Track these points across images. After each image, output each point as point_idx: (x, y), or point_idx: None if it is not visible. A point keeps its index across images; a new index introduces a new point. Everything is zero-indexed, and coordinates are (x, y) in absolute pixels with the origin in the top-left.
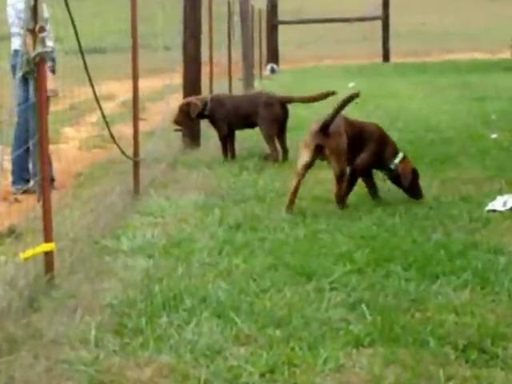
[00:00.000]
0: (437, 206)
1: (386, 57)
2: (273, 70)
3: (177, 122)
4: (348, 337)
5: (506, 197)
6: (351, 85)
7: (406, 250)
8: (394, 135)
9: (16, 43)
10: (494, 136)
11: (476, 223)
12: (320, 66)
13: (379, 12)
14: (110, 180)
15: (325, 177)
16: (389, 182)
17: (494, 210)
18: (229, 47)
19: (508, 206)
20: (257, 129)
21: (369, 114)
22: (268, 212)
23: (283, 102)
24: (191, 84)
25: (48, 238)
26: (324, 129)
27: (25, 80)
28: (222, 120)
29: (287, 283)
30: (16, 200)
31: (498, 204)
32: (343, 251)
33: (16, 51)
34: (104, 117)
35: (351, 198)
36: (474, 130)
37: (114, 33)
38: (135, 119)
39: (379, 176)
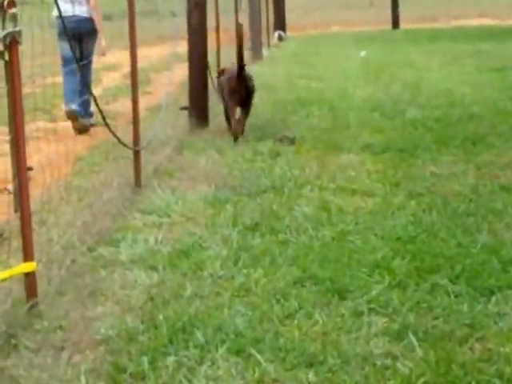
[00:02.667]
0: (476, 199)
1: (395, 23)
2: (280, 38)
3: None
4: (397, 379)
5: None
6: (363, 53)
7: (451, 257)
8: (417, 113)
9: None
10: None
11: None
12: (328, 32)
13: None
14: (109, 168)
15: (346, 162)
16: None
17: None
18: (236, 14)
19: None
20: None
21: (387, 88)
22: (288, 208)
23: None
24: (197, 55)
25: (28, 257)
26: None
27: None
28: None
29: (317, 304)
30: (7, 191)
31: None
32: (379, 259)
33: None
34: (98, 105)
35: (377, 187)
36: (502, 105)
37: None
38: (134, 102)
39: None
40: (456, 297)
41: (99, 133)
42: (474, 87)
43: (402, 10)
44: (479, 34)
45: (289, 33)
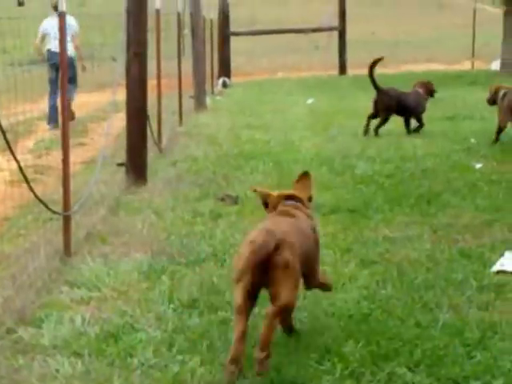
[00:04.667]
0: (434, 267)
1: (342, 69)
2: (225, 85)
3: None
4: None
5: None
6: (310, 101)
7: (409, 340)
8: (367, 168)
9: None
10: (478, 166)
11: (487, 292)
12: (274, 78)
13: (330, 22)
14: (37, 232)
15: None
16: None
17: (504, 271)
18: (179, 62)
19: None
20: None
21: (335, 139)
22: (229, 280)
23: None
24: (136, 108)
25: None
26: None
27: None
28: None
29: None
30: None
31: (508, 263)
32: (329, 342)
33: None
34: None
35: (326, 254)
36: (456, 158)
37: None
38: (65, 164)
39: None
40: None
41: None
42: (425, 138)
43: (349, 54)
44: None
45: (234, 79)
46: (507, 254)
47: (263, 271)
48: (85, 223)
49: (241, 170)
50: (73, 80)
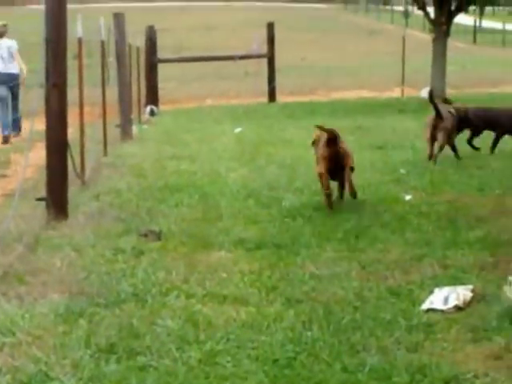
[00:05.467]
0: (362, 306)
1: (272, 96)
2: (152, 113)
3: None
4: None
5: (445, 291)
6: (238, 130)
7: None
8: (295, 200)
9: None
10: (408, 198)
11: (416, 333)
12: (203, 106)
13: (260, 48)
14: None
15: (218, 261)
16: None
17: (434, 309)
18: (103, 91)
19: (451, 305)
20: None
21: (262, 170)
22: (150, 322)
23: None
24: (56, 141)
25: None
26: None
27: None
28: None
29: None
30: None
31: (438, 300)
32: None
33: None
34: None
35: (251, 293)
36: (385, 190)
37: None
38: None
39: None
40: None
41: None
42: (355, 168)
43: (279, 80)
44: (359, 108)
45: (162, 107)
46: (437, 291)
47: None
48: (1, 262)
49: (165, 203)
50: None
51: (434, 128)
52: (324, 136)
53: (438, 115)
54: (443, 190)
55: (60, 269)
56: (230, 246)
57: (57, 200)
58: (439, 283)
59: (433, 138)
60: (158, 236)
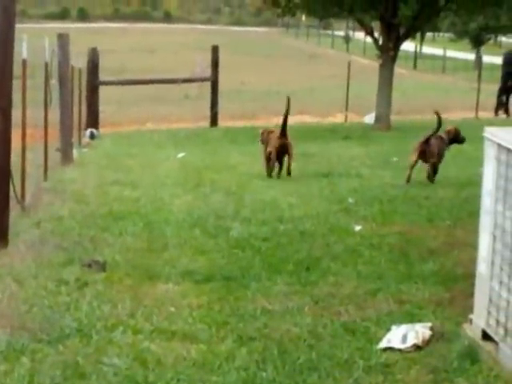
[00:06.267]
0: (317, 345)
1: (214, 121)
2: (92, 136)
3: None
4: None
5: (403, 328)
6: (181, 155)
7: None
8: (243, 230)
9: None
10: (358, 228)
11: (375, 374)
12: (143, 130)
13: (202, 71)
14: None
15: (165, 294)
16: None
17: (392, 348)
18: (45, 113)
19: (409, 343)
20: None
21: (207, 197)
22: (95, 360)
23: None
24: None
25: None
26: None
27: None
28: None
29: None
30: None
31: (396, 339)
32: None
33: None
34: None
35: (201, 329)
36: (334, 220)
37: None
38: None
39: None
40: None
41: None
42: (301, 197)
43: (219, 104)
44: (302, 134)
45: (102, 130)
46: (394, 328)
47: None
48: None
49: (109, 232)
50: None
51: (423, 153)
52: (276, 132)
53: (428, 140)
54: (393, 221)
55: (0, 301)
56: (177, 278)
57: None
58: (395, 320)
59: (416, 163)
60: (103, 266)
